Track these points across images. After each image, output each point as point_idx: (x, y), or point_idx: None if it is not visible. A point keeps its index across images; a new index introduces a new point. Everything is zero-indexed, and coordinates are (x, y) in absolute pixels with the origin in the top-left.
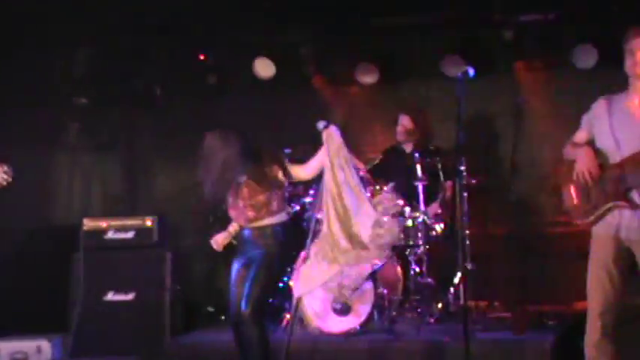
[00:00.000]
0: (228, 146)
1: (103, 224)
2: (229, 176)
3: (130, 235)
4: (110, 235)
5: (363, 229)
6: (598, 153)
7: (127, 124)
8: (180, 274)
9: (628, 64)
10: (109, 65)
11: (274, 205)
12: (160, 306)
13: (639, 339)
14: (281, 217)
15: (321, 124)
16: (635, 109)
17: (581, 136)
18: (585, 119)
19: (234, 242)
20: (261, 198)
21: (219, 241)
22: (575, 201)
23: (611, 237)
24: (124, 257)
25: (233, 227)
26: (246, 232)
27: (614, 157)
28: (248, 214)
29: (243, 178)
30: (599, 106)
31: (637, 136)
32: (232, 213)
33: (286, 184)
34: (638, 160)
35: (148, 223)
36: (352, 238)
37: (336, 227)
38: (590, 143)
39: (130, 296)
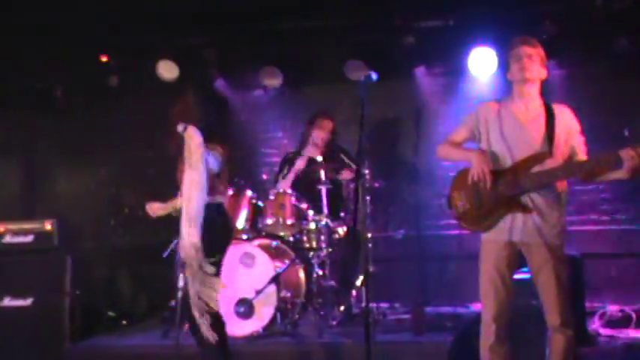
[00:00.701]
0: None
1: (0, 228)
2: None
3: (28, 238)
4: (8, 239)
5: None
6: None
7: (25, 125)
8: (80, 279)
9: (514, 69)
10: (6, 66)
11: None
12: (59, 311)
13: (532, 340)
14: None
15: (180, 127)
16: (521, 114)
17: (461, 134)
18: (469, 119)
19: (174, 215)
20: None
21: (154, 207)
22: (467, 207)
23: (504, 242)
24: (23, 261)
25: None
26: None
27: (505, 162)
28: None
29: None
30: (488, 110)
31: (526, 141)
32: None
33: None
34: (528, 165)
35: (48, 226)
36: None
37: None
38: (467, 142)
39: (28, 302)
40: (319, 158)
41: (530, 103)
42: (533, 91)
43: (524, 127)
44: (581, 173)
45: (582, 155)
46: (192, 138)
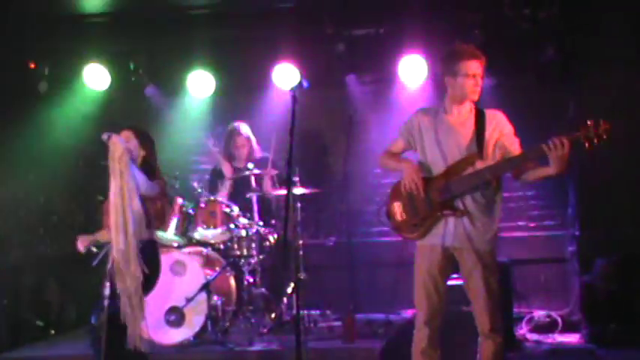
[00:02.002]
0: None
1: None
2: None
3: None
4: None
5: None
6: (422, 166)
7: None
8: (7, 288)
9: (464, 85)
10: None
11: None
12: None
13: (463, 346)
14: None
15: (105, 136)
16: (453, 119)
17: (398, 145)
18: (404, 129)
19: (95, 250)
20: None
21: (79, 240)
22: (404, 216)
23: (437, 247)
24: None
25: (101, 235)
26: None
27: (441, 169)
28: None
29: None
30: (421, 118)
31: (457, 146)
32: None
33: None
34: (459, 169)
35: None
36: None
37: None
38: (405, 152)
39: None
40: (250, 166)
41: (462, 109)
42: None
43: (455, 132)
44: (509, 170)
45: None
46: (116, 146)
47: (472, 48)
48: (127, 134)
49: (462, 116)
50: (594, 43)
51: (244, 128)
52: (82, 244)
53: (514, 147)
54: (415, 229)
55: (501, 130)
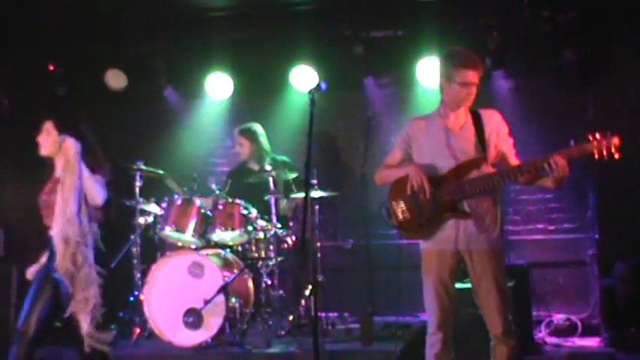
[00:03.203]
0: None
1: None
2: None
3: None
4: None
5: None
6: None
7: None
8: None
9: (458, 93)
10: None
11: None
12: (5, 322)
13: (476, 350)
14: None
15: (60, 138)
16: (451, 123)
17: (396, 157)
18: (400, 140)
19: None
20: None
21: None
22: (407, 216)
23: (446, 252)
24: None
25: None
26: None
27: (441, 172)
28: None
29: None
30: (417, 126)
31: (460, 149)
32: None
33: None
34: (466, 171)
35: None
36: None
37: None
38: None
39: None
40: (268, 168)
41: (458, 113)
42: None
43: (456, 136)
44: (516, 178)
45: (512, 158)
46: (69, 151)
47: (470, 55)
48: (47, 127)
49: (460, 120)
50: (613, 46)
51: (246, 128)
52: (30, 275)
53: (510, 150)
54: (420, 228)
55: (498, 131)
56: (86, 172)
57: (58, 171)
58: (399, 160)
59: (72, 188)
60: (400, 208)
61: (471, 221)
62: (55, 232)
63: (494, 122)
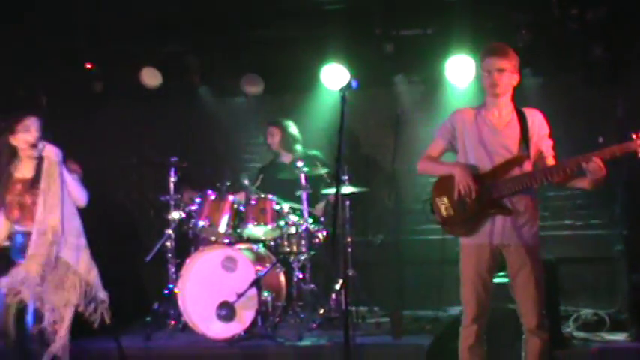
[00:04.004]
0: None
1: None
2: None
3: None
4: None
5: None
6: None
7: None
8: None
9: (485, 82)
10: None
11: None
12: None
13: (507, 344)
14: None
15: (40, 145)
16: (495, 120)
17: (438, 147)
18: (443, 129)
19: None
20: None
21: None
22: (451, 213)
23: (485, 246)
24: None
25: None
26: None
27: (485, 168)
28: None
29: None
30: (463, 117)
31: (503, 145)
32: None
33: None
34: (507, 169)
35: None
36: None
37: None
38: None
39: None
40: (299, 164)
41: (503, 110)
42: (505, 99)
43: (499, 132)
44: (554, 178)
45: (550, 159)
46: (52, 155)
47: (497, 45)
48: (28, 123)
49: (505, 117)
50: None
51: (276, 119)
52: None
53: (549, 152)
54: (463, 225)
55: (539, 132)
56: (69, 177)
57: (26, 172)
58: (441, 150)
59: (58, 195)
60: (444, 205)
61: (511, 218)
62: (36, 231)
63: (537, 122)
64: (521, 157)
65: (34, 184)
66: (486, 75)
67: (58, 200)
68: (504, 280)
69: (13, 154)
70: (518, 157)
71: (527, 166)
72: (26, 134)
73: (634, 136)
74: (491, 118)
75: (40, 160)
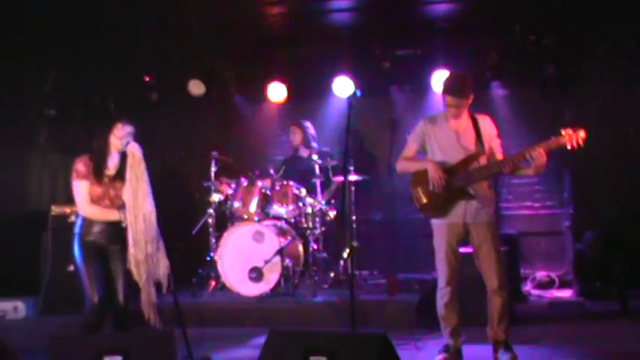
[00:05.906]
0: None
1: (67, 209)
2: None
3: None
4: (73, 218)
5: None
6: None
7: (86, 131)
8: None
9: (449, 110)
10: (73, 83)
11: None
12: None
13: (477, 301)
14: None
15: (124, 141)
16: (455, 125)
17: (412, 149)
18: (415, 136)
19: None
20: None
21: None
22: (425, 200)
23: (458, 224)
24: None
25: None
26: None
27: (451, 163)
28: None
29: None
30: (430, 125)
31: (463, 146)
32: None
33: None
34: (468, 163)
35: None
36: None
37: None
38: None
39: None
40: (315, 157)
41: (462, 118)
42: (463, 111)
43: (460, 135)
44: (505, 169)
45: (499, 154)
46: (135, 153)
47: (457, 84)
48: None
49: (463, 122)
50: (586, 64)
51: (297, 120)
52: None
53: (498, 148)
54: (437, 209)
55: (490, 133)
56: (146, 175)
57: (111, 167)
58: (414, 152)
59: (146, 190)
60: (420, 195)
61: (475, 201)
62: (134, 217)
63: (487, 125)
64: (478, 153)
65: (116, 177)
66: (448, 105)
67: (149, 190)
68: (471, 250)
69: (107, 151)
70: (476, 153)
71: (483, 160)
72: (121, 132)
73: (563, 132)
74: (452, 123)
75: (123, 155)
